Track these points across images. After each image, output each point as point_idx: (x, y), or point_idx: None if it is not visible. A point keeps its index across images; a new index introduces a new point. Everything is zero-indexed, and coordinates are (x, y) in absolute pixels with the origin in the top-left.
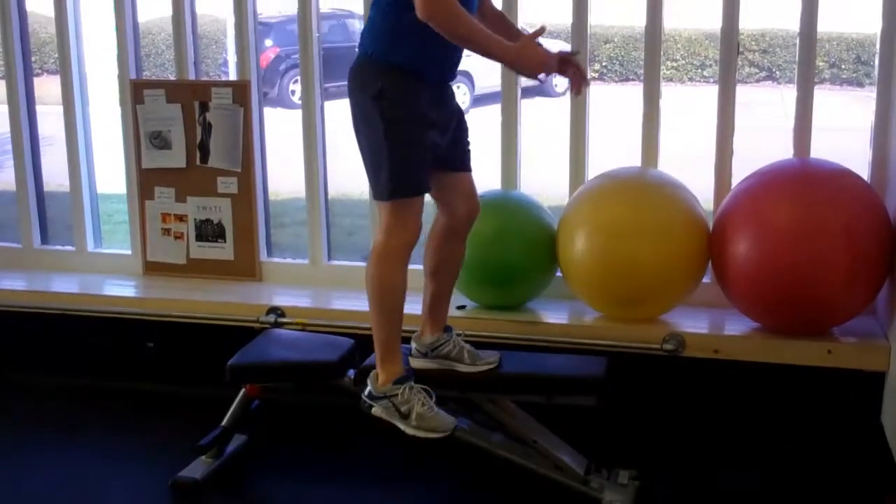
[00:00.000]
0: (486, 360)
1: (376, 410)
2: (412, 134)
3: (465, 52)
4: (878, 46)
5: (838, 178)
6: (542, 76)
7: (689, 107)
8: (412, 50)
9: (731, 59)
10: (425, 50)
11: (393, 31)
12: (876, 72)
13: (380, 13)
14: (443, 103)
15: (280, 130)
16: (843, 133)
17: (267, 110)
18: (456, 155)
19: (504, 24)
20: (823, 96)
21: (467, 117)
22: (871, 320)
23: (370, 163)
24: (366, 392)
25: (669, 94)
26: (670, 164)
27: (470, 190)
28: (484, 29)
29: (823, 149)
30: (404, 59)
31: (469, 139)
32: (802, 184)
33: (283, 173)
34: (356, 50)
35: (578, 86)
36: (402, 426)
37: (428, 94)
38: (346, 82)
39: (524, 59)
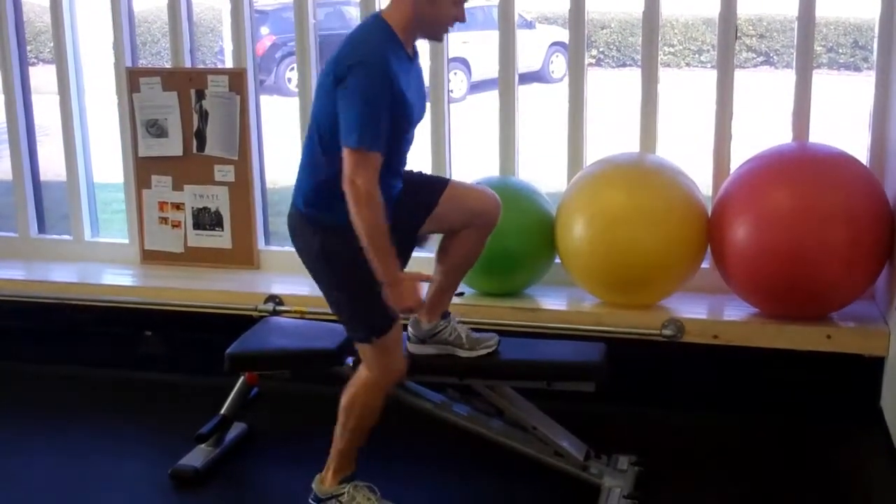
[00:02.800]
0: (484, 344)
1: None
2: (363, 280)
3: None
4: (876, 31)
5: (837, 162)
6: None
7: (686, 92)
8: (343, 207)
9: (728, 43)
10: None
11: (321, 190)
12: (874, 56)
13: (309, 168)
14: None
15: (277, 118)
16: (841, 117)
17: (263, 98)
18: (419, 208)
19: None
20: (821, 81)
21: (465, 105)
22: (870, 305)
23: (335, 309)
24: (312, 496)
25: (667, 79)
26: (668, 150)
27: (466, 194)
28: (387, 240)
29: (822, 133)
30: (337, 218)
31: (415, 176)
32: (801, 168)
33: (280, 161)
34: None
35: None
36: None
37: None
38: None
39: (396, 292)
